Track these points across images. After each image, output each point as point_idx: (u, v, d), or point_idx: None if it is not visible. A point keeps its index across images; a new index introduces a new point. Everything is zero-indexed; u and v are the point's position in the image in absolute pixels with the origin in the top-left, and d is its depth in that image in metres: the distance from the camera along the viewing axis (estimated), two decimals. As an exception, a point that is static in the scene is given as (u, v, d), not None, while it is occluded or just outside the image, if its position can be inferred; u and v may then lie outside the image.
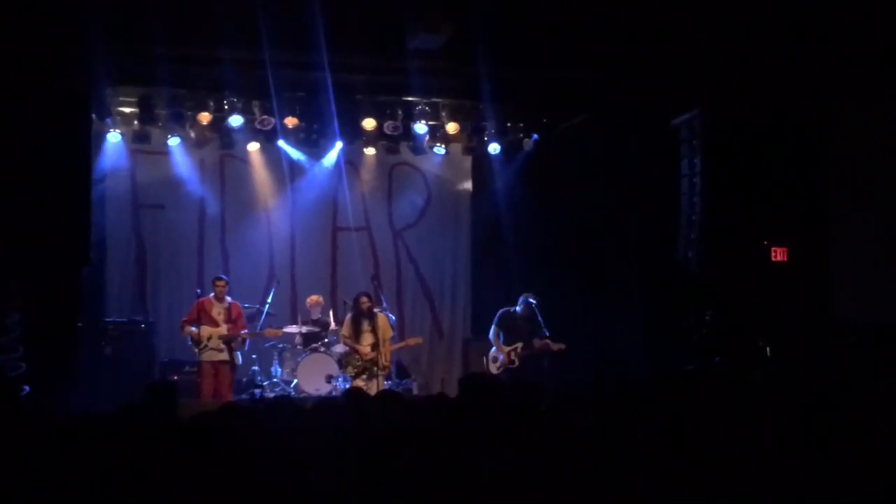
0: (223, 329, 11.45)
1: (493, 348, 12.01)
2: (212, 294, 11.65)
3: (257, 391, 12.07)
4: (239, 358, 11.60)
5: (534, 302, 11.80)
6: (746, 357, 11.59)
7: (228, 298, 11.70)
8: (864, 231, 11.52)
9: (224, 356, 11.40)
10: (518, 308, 11.95)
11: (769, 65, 11.39)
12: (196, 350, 11.39)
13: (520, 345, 11.84)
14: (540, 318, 11.76)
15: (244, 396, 12.06)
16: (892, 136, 11.24)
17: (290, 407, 4.75)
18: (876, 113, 11.46)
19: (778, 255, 12.09)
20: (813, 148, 11.88)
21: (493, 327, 12.07)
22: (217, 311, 11.54)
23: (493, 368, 11.99)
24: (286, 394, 12.11)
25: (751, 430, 4.30)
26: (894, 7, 10.18)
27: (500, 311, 12.14)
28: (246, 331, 11.77)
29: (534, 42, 11.41)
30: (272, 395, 12.16)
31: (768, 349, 11.55)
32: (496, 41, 11.12)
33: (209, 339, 11.35)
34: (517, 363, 11.84)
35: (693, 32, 11.01)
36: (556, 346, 11.71)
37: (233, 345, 11.46)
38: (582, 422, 4.30)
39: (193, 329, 11.39)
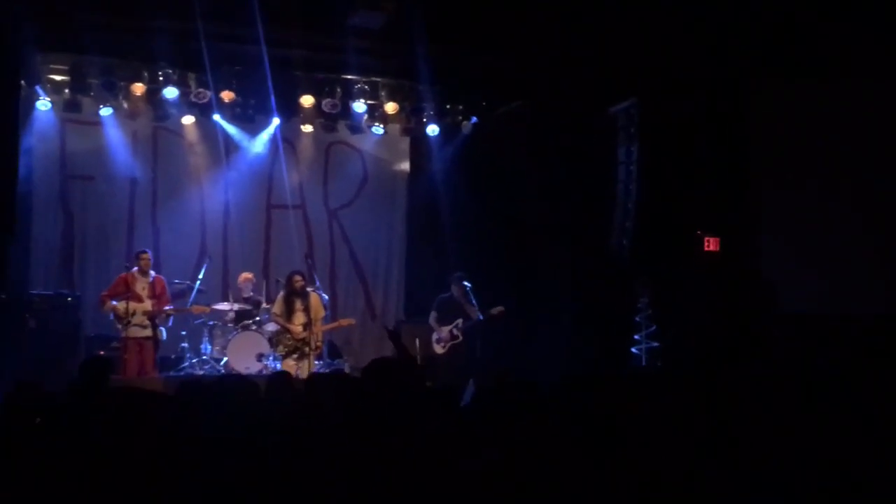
0: (148, 304, 11.22)
1: (434, 332, 12.25)
2: (135, 269, 11.43)
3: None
4: (163, 334, 11.40)
5: (467, 284, 12.06)
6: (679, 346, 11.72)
7: (152, 273, 11.49)
8: (793, 221, 11.75)
9: (148, 332, 11.18)
10: (451, 288, 12.19)
11: (702, 57, 11.58)
12: (120, 326, 11.17)
13: (460, 320, 12.18)
14: (473, 300, 12.02)
15: (172, 373, 11.90)
16: (814, 129, 11.55)
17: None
18: (798, 107, 11.77)
19: (710, 244, 12.22)
20: (743, 140, 12.07)
21: (431, 313, 12.43)
22: (141, 286, 11.31)
23: (439, 349, 12.31)
24: (216, 371, 11.98)
25: (680, 423, 4.29)
26: (811, 9, 10.57)
27: (438, 297, 12.47)
28: (170, 306, 11.57)
29: (473, 24, 11.38)
30: (201, 372, 12.01)
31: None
32: (436, 22, 11.07)
33: (133, 314, 11.11)
34: (461, 337, 12.20)
35: (631, 21, 11.08)
36: (496, 311, 12.07)
37: (157, 321, 11.27)
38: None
39: (115, 303, 11.17)
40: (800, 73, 11.59)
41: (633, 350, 12.13)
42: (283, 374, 6.19)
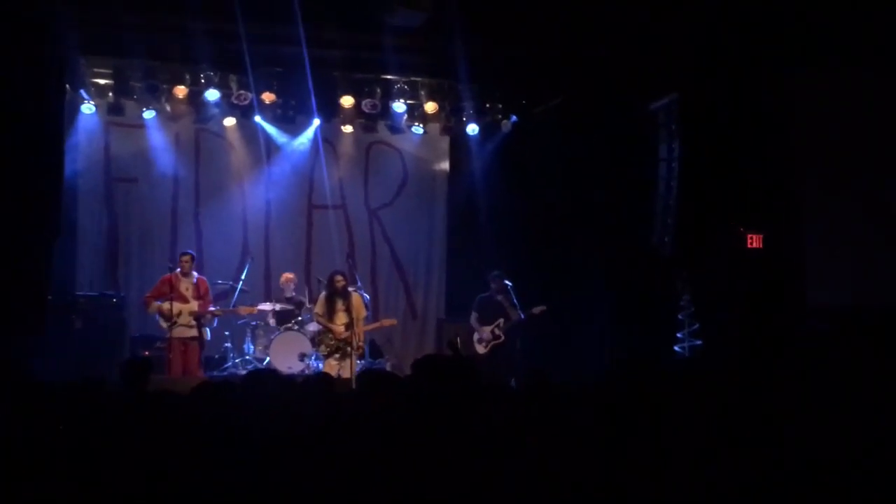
0: (194, 305, 11.32)
1: (476, 332, 12.27)
2: (178, 269, 11.52)
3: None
4: (207, 334, 11.50)
5: (508, 283, 12.04)
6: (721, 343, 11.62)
7: (195, 274, 11.58)
8: (837, 216, 11.60)
9: (193, 332, 11.28)
10: (491, 288, 12.18)
11: (742, 50, 11.46)
12: (165, 326, 11.27)
13: (501, 320, 12.19)
14: (514, 299, 12.01)
15: (215, 373, 11.99)
16: (857, 121, 11.40)
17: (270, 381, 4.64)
18: (841, 99, 11.62)
19: (753, 241, 12.10)
20: (785, 135, 11.94)
21: (472, 313, 12.43)
22: (185, 287, 11.40)
23: (480, 349, 12.30)
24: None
25: (720, 420, 4.26)
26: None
27: (478, 297, 12.45)
28: (213, 307, 11.66)
29: (513, 22, 11.35)
30: (244, 372, 12.08)
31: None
32: (475, 20, 11.06)
33: (179, 315, 11.22)
34: (503, 338, 12.21)
35: (671, 16, 11.00)
36: (537, 310, 12.07)
37: (202, 321, 11.36)
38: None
39: (159, 303, 11.27)
40: (842, 64, 11.44)
41: (676, 348, 12.05)
42: (325, 375, 6.23)
